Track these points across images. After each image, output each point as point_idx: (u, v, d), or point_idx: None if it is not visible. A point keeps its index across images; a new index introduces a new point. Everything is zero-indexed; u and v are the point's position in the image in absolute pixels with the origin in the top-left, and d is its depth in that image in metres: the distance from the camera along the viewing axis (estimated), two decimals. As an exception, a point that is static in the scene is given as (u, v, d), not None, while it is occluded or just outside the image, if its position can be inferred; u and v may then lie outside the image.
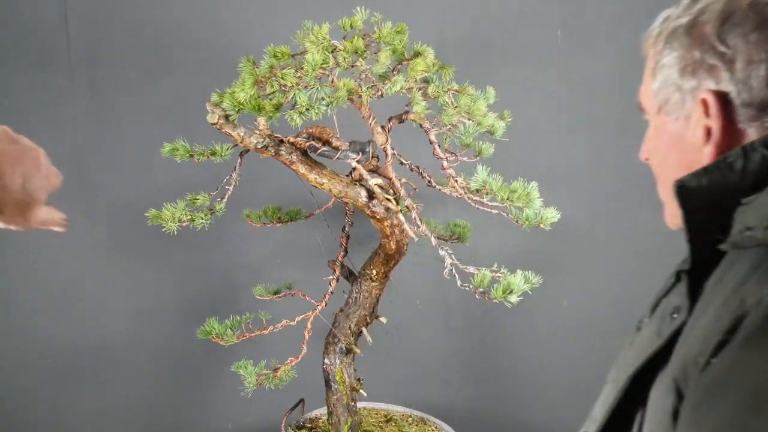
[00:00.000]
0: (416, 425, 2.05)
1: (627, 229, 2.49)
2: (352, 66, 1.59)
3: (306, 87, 1.53)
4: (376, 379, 2.10)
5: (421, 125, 1.72)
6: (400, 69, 1.67)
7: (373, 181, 1.70)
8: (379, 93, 1.61)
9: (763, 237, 0.57)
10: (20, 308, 2.25)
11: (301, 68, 1.56)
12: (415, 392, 2.32)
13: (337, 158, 1.69)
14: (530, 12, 2.31)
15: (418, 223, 1.71)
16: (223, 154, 1.70)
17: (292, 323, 1.83)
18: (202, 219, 1.72)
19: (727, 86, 0.65)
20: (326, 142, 1.70)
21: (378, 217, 1.72)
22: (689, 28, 0.68)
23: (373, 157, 1.74)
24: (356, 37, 1.58)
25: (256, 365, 1.79)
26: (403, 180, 1.74)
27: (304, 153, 1.72)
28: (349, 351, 1.92)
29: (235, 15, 2.20)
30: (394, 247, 1.80)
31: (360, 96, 1.60)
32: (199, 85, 1.86)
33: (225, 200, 1.76)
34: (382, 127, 1.71)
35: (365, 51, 1.59)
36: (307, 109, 1.52)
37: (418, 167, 1.81)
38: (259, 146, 1.66)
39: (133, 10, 2.16)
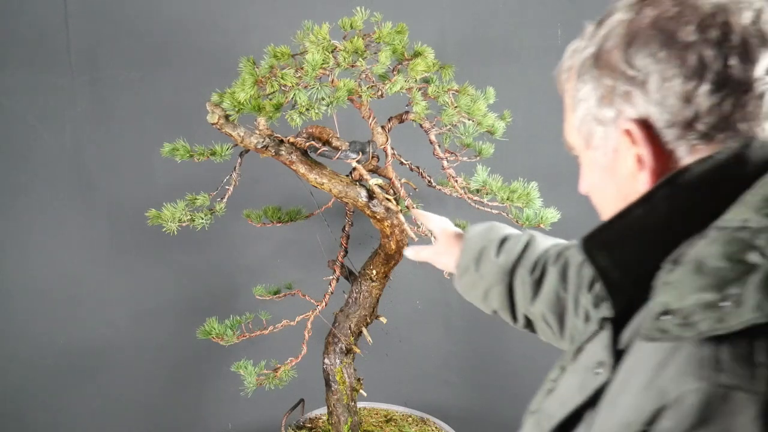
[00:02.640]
0: (416, 425, 2.05)
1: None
2: (352, 66, 1.59)
3: (306, 87, 1.53)
4: (376, 379, 2.10)
5: (421, 125, 1.72)
6: (400, 69, 1.67)
7: (373, 181, 1.70)
8: (379, 93, 1.61)
9: (679, 333, 0.54)
10: (20, 308, 2.25)
11: (301, 68, 1.56)
12: (415, 392, 2.33)
13: (337, 158, 1.69)
14: (530, 12, 2.30)
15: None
16: (223, 154, 1.70)
17: (292, 323, 1.83)
18: (202, 219, 1.72)
19: (646, 110, 0.62)
20: (326, 142, 1.70)
21: (378, 217, 1.72)
22: (596, 58, 0.66)
23: (373, 157, 1.74)
24: (356, 37, 1.58)
25: (256, 365, 1.79)
26: (403, 180, 1.74)
27: (304, 153, 1.72)
28: (349, 351, 1.92)
29: (235, 15, 2.20)
30: (394, 247, 1.80)
31: (360, 96, 1.60)
32: (199, 86, 1.86)
33: (225, 200, 1.76)
34: (382, 127, 1.71)
35: (365, 51, 1.59)
36: (307, 109, 1.52)
37: (418, 167, 1.81)
38: (259, 146, 1.66)
39: (133, 10, 2.16)
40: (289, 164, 1.70)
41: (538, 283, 1.06)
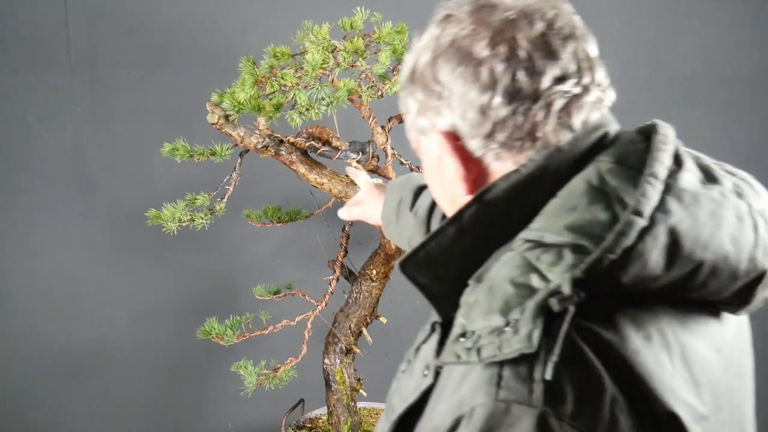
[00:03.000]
0: (416, 425, 2.05)
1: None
2: (352, 66, 1.59)
3: (306, 87, 1.53)
4: (376, 379, 2.10)
5: (421, 125, 1.72)
6: (400, 69, 1.67)
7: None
8: (379, 93, 1.61)
9: (467, 359, 0.58)
10: (20, 308, 2.25)
11: (301, 68, 1.56)
12: (415, 392, 2.32)
13: (337, 158, 1.69)
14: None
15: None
16: (223, 154, 1.70)
17: (292, 323, 1.83)
18: (202, 219, 1.72)
19: (453, 122, 0.66)
20: (326, 142, 1.70)
21: (378, 217, 1.72)
22: (412, 75, 0.69)
23: (373, 157, 1.74)
24: (356, 37, 1.58)
25: (256, 365, 1.79)
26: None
27: (304, 153, 1.72)
28: (349, 351, 1.92)
29: (235, 15, 2.20)
30: (394, 247, 1.80)
31: (360, 96, 1.60)
32: (199, 86, 1.86)
33: (225, 200, 1.76)
34: (382, 127, 1.71)
35: (365, 51, 1.59)
36: (307, 109, 1.52)
37: (418, 167, 1.81)
38: (259, 146, 1.66)
39: (133, 10, 2.16)
40: (289, 164, 1.70)
41: None
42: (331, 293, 1.87)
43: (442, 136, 0.67)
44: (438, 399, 0.63)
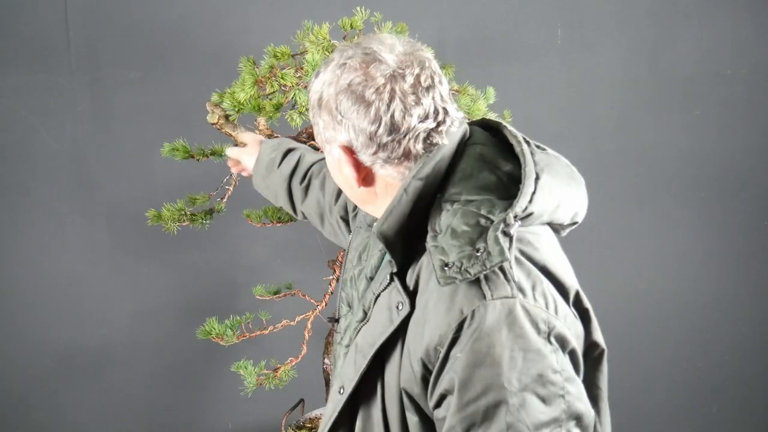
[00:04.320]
0: (416, 425, 2.05)
1: (626, 229, 2.49)
2: (352, 66, 1.58)
3: (306, 87, 1.53)
4: (376, 379, 2.10)
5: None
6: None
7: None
8: (379, 93, 1.61)
9: (461, 278, 0.85)
10: (21, 308, 2.25)
11: (301, 68, 1.56)
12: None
13: (337, 158, 1.69)
14: (530, 12, 2.31)
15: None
16: (223, 154, 1.70)
17: (292, 323, 1.83)
18: (202, 219, 1.72)
19: (348, 140, 0.93)
20: (326, 142, 1.70)
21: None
22: (320, 101, 0.95)
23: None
24: (356, 37, 1.58)
25: (256, 365, 1.79)
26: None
27: (304, 153, 1.72)
28: (349, 351, 1.91)
29: (235, 15, 2.20)
30: (394, 247, 1.79)
31: (360, 96, 1.60)
32: (199, 85, 1.86)
33: (225, 200, 1.76)
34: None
35: (365, 51, 1.59)
36: (307, 109, 1.52)
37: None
38: (259, 146, 1.66)
39: (133, 10, 2.16)
40: (289, 164, 1.70)
41: (305, 190, 1.41)
42: (331, 293, 1.87)
43: (341, 149, 0.95)
44: (424, 319, 0.89)
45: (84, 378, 2.31)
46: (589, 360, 0.95)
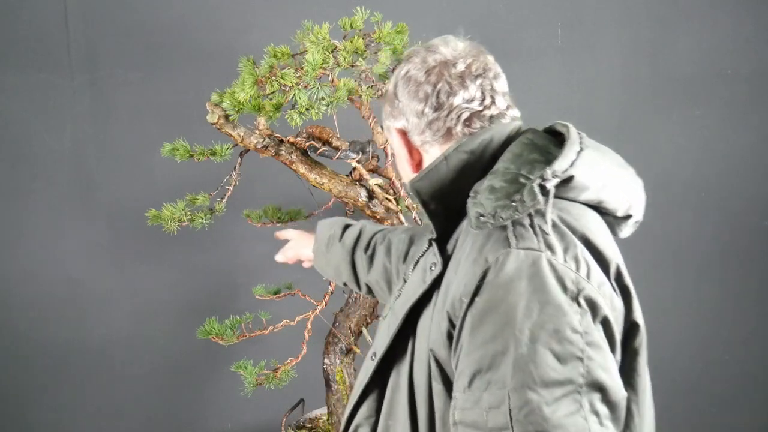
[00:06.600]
0: (416, 425, 2.05)
1: (627, 229, 2.49)
2: (352, 66, 1.59)
3: (306, 87, 1.53)
4: (376, 379, 2.10)
5: (421, 125, 1.72)
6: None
7: (373, 181, 1.70)
8: (379, 93, 1.61)
9: (494, 222, 0.87)
10: (20, 308, 2.25)
11: (301, 68, 1.56)
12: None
13: (337, 158, 1.69)
14: (530, 12, 2.31)
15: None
16: (223, 154, 1.70)
17: (292, 323, 1.83)
18: (202, 219, 1.72)
19: (403, 124, 1.02)
20: (326, 142, 1.70)
21: (378, 217, 1.72)
22: (387, 92, 1.06)
23: (373, 157, 1.74)
24: (356, 37, 1.58)
25: (256, 365, 1.79)
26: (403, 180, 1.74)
27: (304, 153, 1.72)
28: (349, 351, 1.92)
29: (235, 15, 2.20)
30: (394, 247, 1.79)
31: (360, 96, 1.60)
32: (199, 85, 1.86)
33: (225, 200, 1.76)
34: (382, 127, 1.71)
35: (365, 51, 1.59)
36: (307, 109, 1.52)
37: (418, 167, 1.80)
38: (259, 146, 1.66)
39: (133, 10, 2.16)
40: (289, 164, 1.70)
41: (371, 259, 1.42)
42: (331, 293, 1.87)
43: (396, 132, 1.04)
44: (453, 274, 0.93)
45: (84, 378, 2.31)
46: (629, 343, 0.92)
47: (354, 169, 1.73)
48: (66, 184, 2.22)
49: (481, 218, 0.88)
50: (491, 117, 0.98)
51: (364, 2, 1.64)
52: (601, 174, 0.95)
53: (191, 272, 2.32)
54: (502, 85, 1.01)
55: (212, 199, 1.75)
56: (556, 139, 1.00)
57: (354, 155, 1.70)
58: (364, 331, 1.92)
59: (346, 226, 1.48)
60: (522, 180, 0.88)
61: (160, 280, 2.30)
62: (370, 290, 1.46)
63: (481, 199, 0.90)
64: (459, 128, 0.98)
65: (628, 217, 1.03)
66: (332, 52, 1.57)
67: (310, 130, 1.70)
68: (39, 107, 2.17)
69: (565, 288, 0.82)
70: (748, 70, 2.40)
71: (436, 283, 0.96)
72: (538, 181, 0.86)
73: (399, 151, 1.06)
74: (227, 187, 1.76)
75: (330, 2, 1.86)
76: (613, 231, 1.03)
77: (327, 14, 1.64)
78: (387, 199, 1.68)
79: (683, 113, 2.39)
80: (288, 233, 1.67)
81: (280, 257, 1.66)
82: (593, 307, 0.83)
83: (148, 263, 2.28)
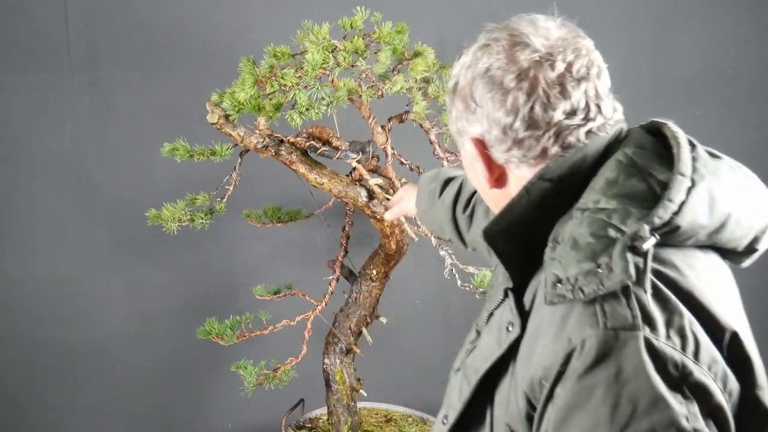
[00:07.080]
0: (416, 425, 2.05)
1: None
2: (352, 66, 1.59)
3: (306, 87, 1.53)
4: (376, 379, 2.10)
5: (421, 125, 1.72)
6: (400, 69, 1.67)
7: (373, 181, 1.70)
8: (379, 93, 1.61)
9: (572, 297, 0.72)
10: (20, 308, 2.25)
11: (301, 68, 1.56)
12: (415, 392, 2.33)
13: (337, 158, 1.69)
14: (530, 12, 2.30)
15: (418, 223, 1.71)
16: (223, 154, 1.70)
17: (292, 323, 1.83)
18: (202, 219, 1.72)
19: (481, 133, 0.82)
20: (326, 142, 1.70)
21: (378, 217, 1.72)
22: (455, 87, 0.85)
23: (373, 157, 1.74)
24: (356, 37, 1.58)
25: (256, 365, 1.79)
26: (403, 180, 1.74)
27: (304, 153, 1.72)
28: (349, 351, 1.92)
29: (235, 15, 2.20)
30: (394, 247, 1.80)
31: (360, 96, 1.60)
32: (199, 85, 1.86)
33: (225, 200, 1.76)
34: (382, 127, 1.71)
35: (365, 51, 1.59)
36: (307, 109, 1.52)
37: (418, 167, 1.81)
38: (259, 146, 1.66)
39: (133, 10, 2.16)
40: (289, 164, 1.70)
41: (470, 218, 1.28)
42: (331, 293, 1.87)
43: (472, 142, 0.83)
44: (533, 344, 0.77)
45: (84, 378, 2.31)
46: (748, 428, 0.75)
47: (354, 169, 1.73)
48: (66, 184, 2.22)
49: (558, 285, 0.73)
50: (594, 130, 0.79)
51: (364, 2, 1.64)
52: (720, 213, 0.76)
53: (191, 272, 2.32)
54: (605, 83, 0.81)
55: (212, 199, 1.75)
56: (662, 144, 0.81)
57: (354, 155, 1.70)
58: (364, 331, 1.92)
59: (447, 180, 1.34)
60: (612, 233, 0.71)
61: (160, 280, 2.30)
62: (475, 249, 1.34)
63: (560, 255, 0.74)
64: (557, 149, 0.78)
65: (753, 250, 0.85)
66: (332, 52, 1.57)
67: (310, 130, 1.70)
68: (39, 107, 2.16)
69: (667, 375, 0.68)
70: (748, 70, 2.40)
71: (514, 347, 0.81)
72: (631, 240, 0.70)
73: (473, 162, 0.85)
74: (227, 187, 1.76)
75: (330, 2, 1.86)
76: (730, 259, 0.87)
77: (327, 14, 1.64)
78: (387, 199, 1.68)
79: (683, 113, 2.39)
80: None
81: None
82: (703, 394, 0.69)
83: (148, 263, 2.28)
